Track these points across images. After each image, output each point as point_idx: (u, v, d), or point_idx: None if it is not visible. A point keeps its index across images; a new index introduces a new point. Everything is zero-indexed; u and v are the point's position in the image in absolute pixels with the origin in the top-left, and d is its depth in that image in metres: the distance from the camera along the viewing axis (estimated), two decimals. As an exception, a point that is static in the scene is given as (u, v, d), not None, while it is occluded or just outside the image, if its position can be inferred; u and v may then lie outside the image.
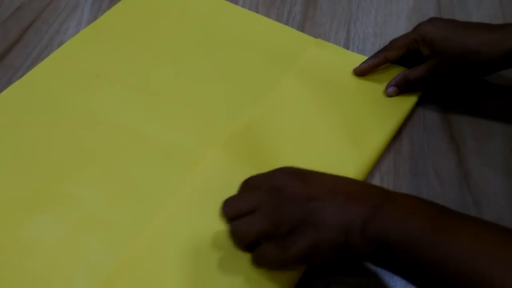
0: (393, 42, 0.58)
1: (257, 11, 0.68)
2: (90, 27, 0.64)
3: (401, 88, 0.57)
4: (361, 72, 0.59)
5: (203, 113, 0.56)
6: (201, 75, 0.60)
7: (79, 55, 0.61)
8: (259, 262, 0.42)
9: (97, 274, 0.44)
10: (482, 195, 0.51)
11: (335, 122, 0.55)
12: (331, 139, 0.54)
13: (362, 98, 0.58)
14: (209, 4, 0.68)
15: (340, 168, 0.51)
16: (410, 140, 0.56)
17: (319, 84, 0.59)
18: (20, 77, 0.58)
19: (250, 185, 0.44)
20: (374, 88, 0.59)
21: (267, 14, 0.68)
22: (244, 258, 0.44)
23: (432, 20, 0.56)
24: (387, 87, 0.58)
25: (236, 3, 0.69)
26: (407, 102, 0.57)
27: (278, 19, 0.67)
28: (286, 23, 0.67)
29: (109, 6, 0.67)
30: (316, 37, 0.65)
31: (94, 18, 0.65)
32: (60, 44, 0.62)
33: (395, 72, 0.59)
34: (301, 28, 0.67)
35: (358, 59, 0.60)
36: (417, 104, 0.58)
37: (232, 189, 0.49)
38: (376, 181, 0.52)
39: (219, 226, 0.46)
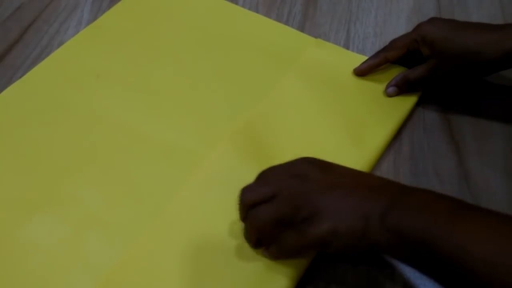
0: (393, 42, 0.58)
1: (257, 11, 0.68)
2: (90, 27, 0.64)
3: (401, 88, 0.57)
4: (361, 72, 0.59)
5: (203, 113, 0.56)
6: (201, 75, 0.60)
7: (79, 55, 0.61)
8: (278, 251, 0.42)
9: (97, 274, 0.44)
10: (482, 195, 0.51)
11: (335, 122, 0.55)
12: (331, 139, 0.54)
13: (362, 98, 0.58)
14: (209, 4, 0.68)
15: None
16: (410, 140, 0.56)
17: (319, 84, 0.59)
18: (20, 77, 0.58)
19: (268, 175, 0.44)
20: (374, 88, 0.59)
21: (267, 14, 0.68)
22: (244, 259, 0.45)
23: (432, 20, 0.56)
24: (387, 87, 0.58)
25: (236, 3, 0.69)
26: (407, 102, 0.57)
27: (278, 19, 0.67)
28: (286, 23, 0.67)
29: (109, 6, 0.67)
30: (316, 37, 0.65)
31: (94, 18, 0.65)
32: (60, 44, 0.62)
33: (395, 72, 0.59)
34: (301, 28, 0.67)
35: (358, 59, 0.60)
36: (417, 104, 0.58)
37: (233, 189, 0.49)
38: (376, 181, 0.52)
39: (219, 226, 0.47)
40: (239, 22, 0.66)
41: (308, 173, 0.42)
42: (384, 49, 0.59)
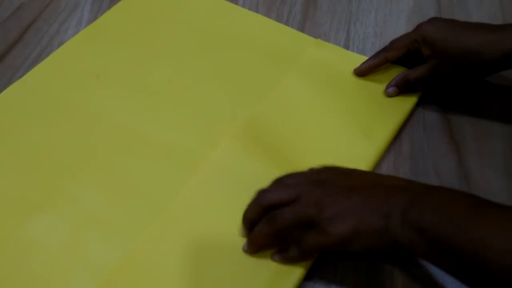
0: (393, 43, 0.58)
1: (257, 11, 0.68)
2: (90, 27, 0.64)
3: (401, 89, 0.57)
4: (362, 73, 0.59)
5: (204, 113, 0.56)
6: (201, 75, 0.60)
7: (79, 55, 0.61)
8: (298, 252, 0.43)
9: (97, 274, 0.44)
10: (482, 195, 0.51)
11: (335, 122, 0.55)
12: (331, 139, 0.54)
13: (362, 98, 0.58)
14: (209, 4, 0.68)
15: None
16: (410, 140, 0.56)
17: (320, 84, 0.59)
18: (20, 77, 0.58)
19: (287, 180, 0.45)
20: (374, 88, 0.59)
21: (267, 14, 0.68)
22: (245, 259, 0.45)
23: (432, 21, 0.56)
24: (387, 87, 0.58)
25: (236, 3, 0.69)
26: (407, 102, 0.57)
27: (278, 19, 0.67)
28: (286, 23, 0.67)
29: (109, 6, 0.67)
30: (316, 37, 0.65)
31: (94, 18, 0.65)
32: (60, 44, 0.62)
33: (395, 73, 0.59)
34: (301, 28, 0.67)
35: (358, 59, 0.60)
36: (417, 104, 0.58)
37: (233, 189, 0.49)
38: (376, 181, 0.52)
39: (220, 226, 0.47)
40: (239, 22, 0.66)
41: (329, 180, 0.44)
42: (384, 49, 0.59)
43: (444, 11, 0.69)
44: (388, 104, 0.57)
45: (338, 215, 0.41)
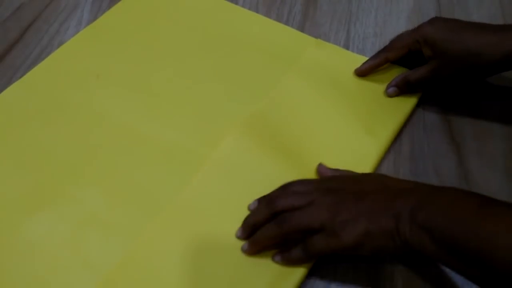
0: (393, 42, 0.58)
1: (257, 11, 0.68)
2: (90, 27, 0.64)
3: (401, 89, 0.57)
4: (362, 73, 0.59)
5: (204, 113, 0.56)
6: (201, 75, 0.60)
7: (79, 55, 0.61)
8: (303, 254, 0.43)
9: (97, 274, 0.44)
10: (482, 195, 0.51)
11: (336, 123, 0.55)
12: (332, 139, 0.54)
13: (363, 98, 0.58)
14: (209, 4, 0.68)
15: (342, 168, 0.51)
16: (410, 140, 0.56)
17: (320, 84, 0.59)
18: (20, 77, 0.58)
19: (295, 190, 0.46)
20: (375, 88, 0.59)
21: (267, 14, 0.68)
22: (245, 259, 0.45)
23: (433, 21, 0.56)
24: (387, 88, 0.58)
25: (236, 3, 0.69)
26: (408, 102, 0.57)
27: (278, 19, 0.67)
28: (286, 23, 0.67)
29: (109, 6, 0.67)
30: (316, 37, 0.65)
31: (94, 18, 0.65)
32: (60, 44, 0.62)
33: (396, 73, 0.59)
34: (301, 28, 0.67)
35: (358, 59, 0.60)
36: (417, 105, 0.58)
37: (234, 190, 0.49)
38: (376, 181, 0.52)
39: (219, 227, 0.47)
40: (239, 22, 0.66)
41: (339, 187, 0.44)
42: (385, 49, 0.59)
43: (444, 11, 0.69)
44: (389, 104, 0.57)
45: (350, 219, 0.41)
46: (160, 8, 0.67)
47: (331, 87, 0.59)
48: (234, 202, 0.48)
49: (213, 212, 0.48)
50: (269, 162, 0.51)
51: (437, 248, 0.38)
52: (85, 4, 0.68)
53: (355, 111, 0.57)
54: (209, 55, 0.62)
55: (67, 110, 0.55)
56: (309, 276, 0.45)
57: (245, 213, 0.47)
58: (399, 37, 0.58)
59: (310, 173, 0.51)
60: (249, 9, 0.68)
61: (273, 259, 0.44)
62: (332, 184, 0.46)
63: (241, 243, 0.45)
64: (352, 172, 0.49)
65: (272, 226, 0.44)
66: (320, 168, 0.50)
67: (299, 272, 0.44)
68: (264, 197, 0.47)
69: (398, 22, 0.68)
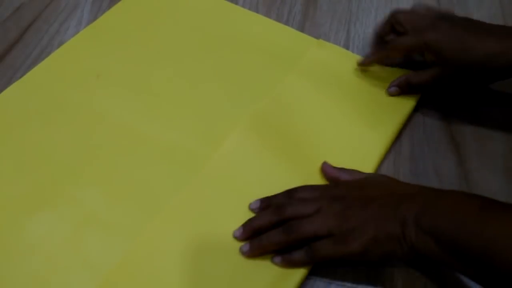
0: (394, 43, 0.57)
1: (257, 11, 0.68)
2: (90, 27, 0.64)
3: (402, 89, 0.57)
4: (366, 63, 0.59)
5: (204, 113, 0.56)
6: (201, 75, 0.60)
7: (79, 55, 0.61)
8: (306, 257, 0.43)
9: (97, 274, 0.44)
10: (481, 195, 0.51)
11: (337, 122, 0.55)
12: (332, 139, 0.54)
13: (364, 98, 0.58)
14: (209, 4, 0.68)
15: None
16: (410, 140, 0.56)
17: (321, 84, 0.59)
18: (20, 77, 0.58)
19: (301, 197, 0.46)
20: (376, 88, 0.59)
21: (267, 14, 0.68)
22: (246, 260, 0.45)
23: (437, 25, 0.54)
24: (389, 87, 0.58)
25: (236, 3, 0.69)
26: (408, 102, 0.57)
27: (278, 19, 0.67)
28: (286, 23, 0.67)
29: (109, 6, 0.67)
30: (316, 37, 0.65)
31: (94, 18, 0.65)
32: (60, 44, 0.62)
33: (397, 73, 0.59)
34: (301, 28, 0.67)
35: (360, 60, 0.60)
36: (417, 105, 0.58)
37: (234, 190, 0.49)
38: (376, 181, 0.52)
39: (219, 227, 0.47)
40: (239, 22, 0.66)
41: (345, 194, 0.45)
42: (386, 48, 0.58)
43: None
44: (390, 103, 0.57)
45: (357, 226, 0.42)
46: (160, 8, 0.67)
47: (332, 86, 0.59)
48: (234, 202, 0.48)
49: (214, 212, 0.48)
50: (271, 162, 0.51)
51: (442, 252, 0.39)
52: (85, 4, 0.68)
53: (357, 110, 0.57)
54: (209, 55, 0.62)
55: (67, 110, 0.55)
56: (309, 276, 0.45)
57: (245, 213, 0.47)
58: (400, 39, 0.56)
59: (313, 173, 0.51)
60: (249, 9, 0.68)
61: (272, 260, 0.44)
62: (338, 191, 0.46)
63: (240, 243, 0.45)
64: (356, 171, 0.49)
65: (280, 233, 0.44)
66: (325, 166, 0.50)
67: (299, 273, 0.44)
68: (267, 198, 0.47)
69: (398, 22, 0.68)
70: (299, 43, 0.64)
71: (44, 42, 0.63)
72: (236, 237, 0.45)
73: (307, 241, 0.43)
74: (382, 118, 0.56)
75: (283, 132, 0.54)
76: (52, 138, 0.53)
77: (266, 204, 0.47)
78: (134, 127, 0.54)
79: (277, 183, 0.49)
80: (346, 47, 0.64)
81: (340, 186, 0.47)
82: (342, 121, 0.55)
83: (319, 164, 0.51)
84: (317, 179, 0.50)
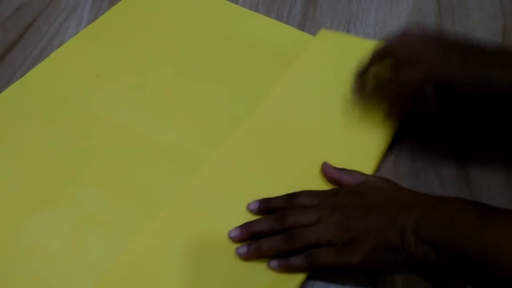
0: (400, 76, 0.50)
1: (257, 11, 0.68)
2: (90, 27, 0.64)
3: None
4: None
5: (204, 113, 0.56)
6: (201, 75, 0.60)
7: (79, 55, 0.61)
8: (304, 263, 0.43)
9: (97, 274, 0.44)
10: (482, 197, 0.51)
11: (337, 121, 0.55)
12: (333, 139, 0.54)
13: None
14: (209, 4, 0.68)
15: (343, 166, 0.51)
16: (410, 141, 0.55)
17: (321, 82, 0.59)
18: (20, 77, 0.58)
19: (302, 203, 0.46)
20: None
21: (267, 14, 0.68)
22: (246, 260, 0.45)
23: (446, 58, 0.48)
24: None
25: (236, 3, 0.69)
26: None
27: (278, 18, 0.67)
28: (286, 22, 0.67)
29: (109, 6, 0.67)
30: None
31: (94, 18, 0.65)
32: (60, 44, 0.62)
33: None
34: (301, 28, 0.66)
35: (363, 43, 0.59)
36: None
37: (234, 190, 0.49)
38: (376, 181, 0.52)
39: (219, 227, 0.47)
40: (239, 21, 0.66)
41: (346, 203, 0.45)
42: (389, 85, 0.52)
43: (444, 11, 0.69)
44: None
45: (357, 236, 0.42)
46: (160, 8, 0.67)
47: (333, 86, 0.58)
48: (234, 202, 0.48)
49: (213, 213, 0.48)
50: (270, 162, 0.51)
51: (441, 260, 0.39)
52: (85, 4, 0.68)
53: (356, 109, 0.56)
54: (209, 55, 0.62)
55: (67, 110, 0.55)
56: (308, 277, 0.45)
57: (244, 214, 0.47)
58: (407, 73, 0.49)
59: (313, 173, 0.51)
60: (249, 9, 0.68)
61: (268, 265, 0.44)
62: (338, 199, 0.46)
63: (237, 244, 0.45)
64: (356, 172, 0.49)
65: (280, 241, 0.44)
66: (325, 167, 0.50)
67: (299, 276, 0.44)
68: (266, 200, 0.47)
69: (398, 22, 0.68)
70: (300, 41, 0.63)
71: (44, 42, 0.63)
72: (232, 237, 0.45)
73: (307, 248, 0.43)
74: (382, 117, 0.56)
75: (283, 132, 0.54)
76: (52, 138, 0.53)
77: (265, 206, 0.47)
78: (134, 127, 0.54)
79: (276, 183, 0.49)
80: (346, 47, 0.64)
81: (340, 194, 0.47)
82: (342, 121, 0.55)
83: (319, 164, 0.51)
84: (317, 180, 0.50)
